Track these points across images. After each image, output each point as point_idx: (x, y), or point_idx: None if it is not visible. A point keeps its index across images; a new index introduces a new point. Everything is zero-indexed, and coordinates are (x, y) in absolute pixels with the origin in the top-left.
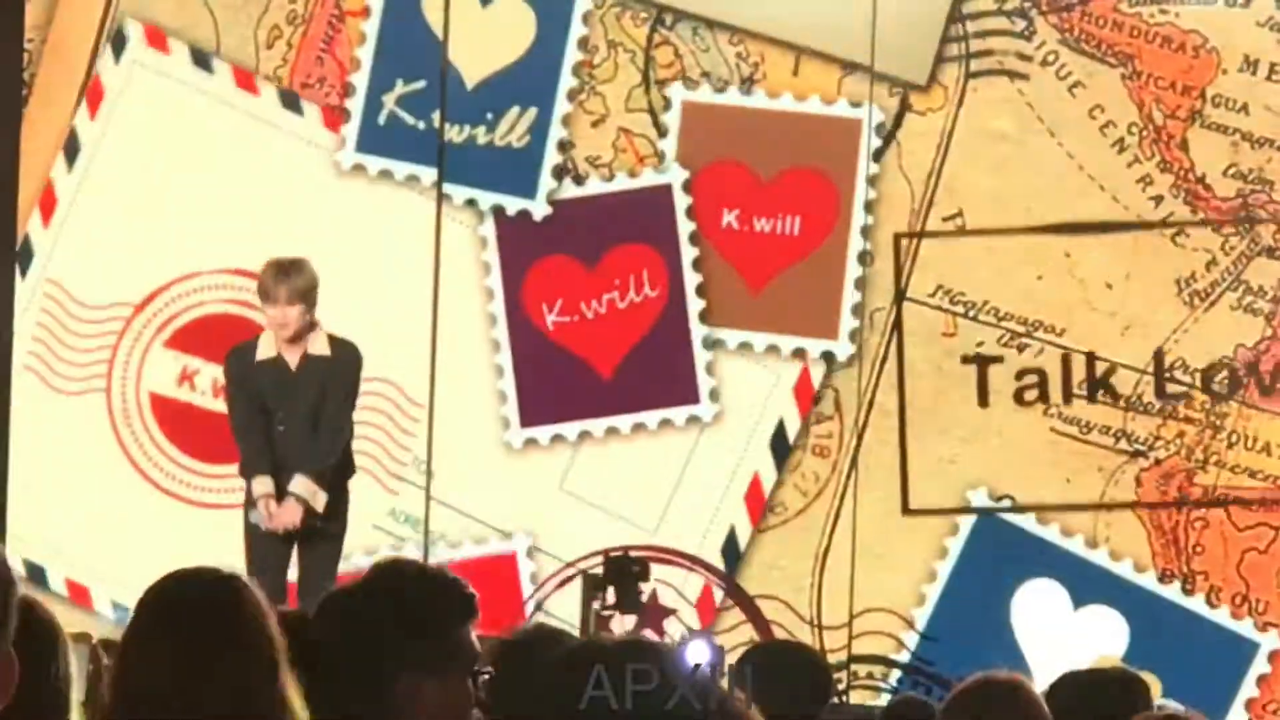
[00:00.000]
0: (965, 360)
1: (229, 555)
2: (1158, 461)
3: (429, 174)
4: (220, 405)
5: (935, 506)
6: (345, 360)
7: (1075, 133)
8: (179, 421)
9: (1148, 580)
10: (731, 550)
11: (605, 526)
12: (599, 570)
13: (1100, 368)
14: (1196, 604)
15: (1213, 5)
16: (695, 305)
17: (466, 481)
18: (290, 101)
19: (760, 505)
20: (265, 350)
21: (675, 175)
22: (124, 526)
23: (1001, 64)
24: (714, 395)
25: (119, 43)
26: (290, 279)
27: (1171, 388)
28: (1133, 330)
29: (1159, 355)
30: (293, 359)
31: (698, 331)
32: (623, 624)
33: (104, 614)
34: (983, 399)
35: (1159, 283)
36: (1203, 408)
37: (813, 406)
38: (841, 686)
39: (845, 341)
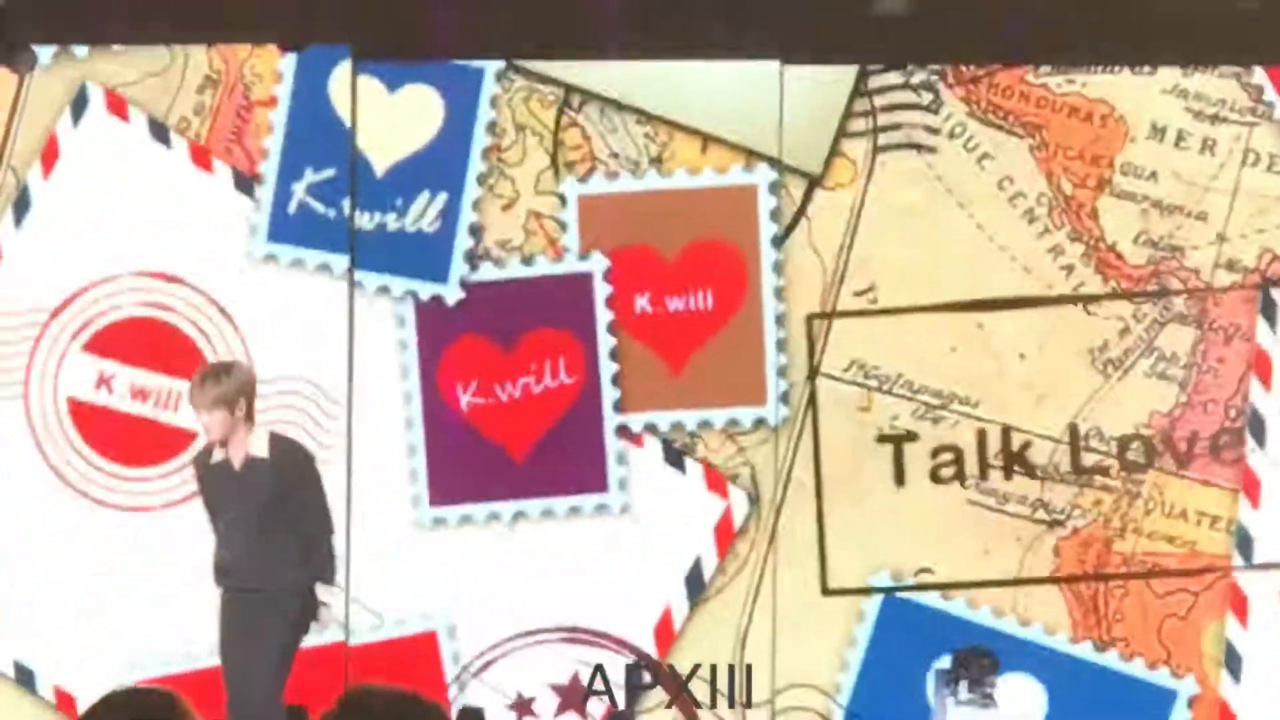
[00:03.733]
0: (881, 439)
1: (150, 558)
2: (1075, 530)
3: (341, 261)
4: (139, 407)
5: (853, 583)
6: (289, 460)
7: (985, 205)
8: (98, 426)
9: (1060, 642)
10: (665, 632)
11: (525, 608)
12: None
13: (1016, 440)
14: (1111, 660)
15: (1119, 74)
16: (610, 394)
17: (385, 565)
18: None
19: (699, 586)
20: (217, 454)
21: (597, 264)
22: (48, 535)
23: (909, 137)
24: (623, 484)
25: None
26: (210, 386)
27: (1087, 458)
28: (1047, 400)
29: (1074, 427)
30: (236, 460)
31: (611, 420)
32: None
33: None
34: (899, 476)
35: (1072, 352)
36: (1119, 475)
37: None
38: None
39: (775, 405)
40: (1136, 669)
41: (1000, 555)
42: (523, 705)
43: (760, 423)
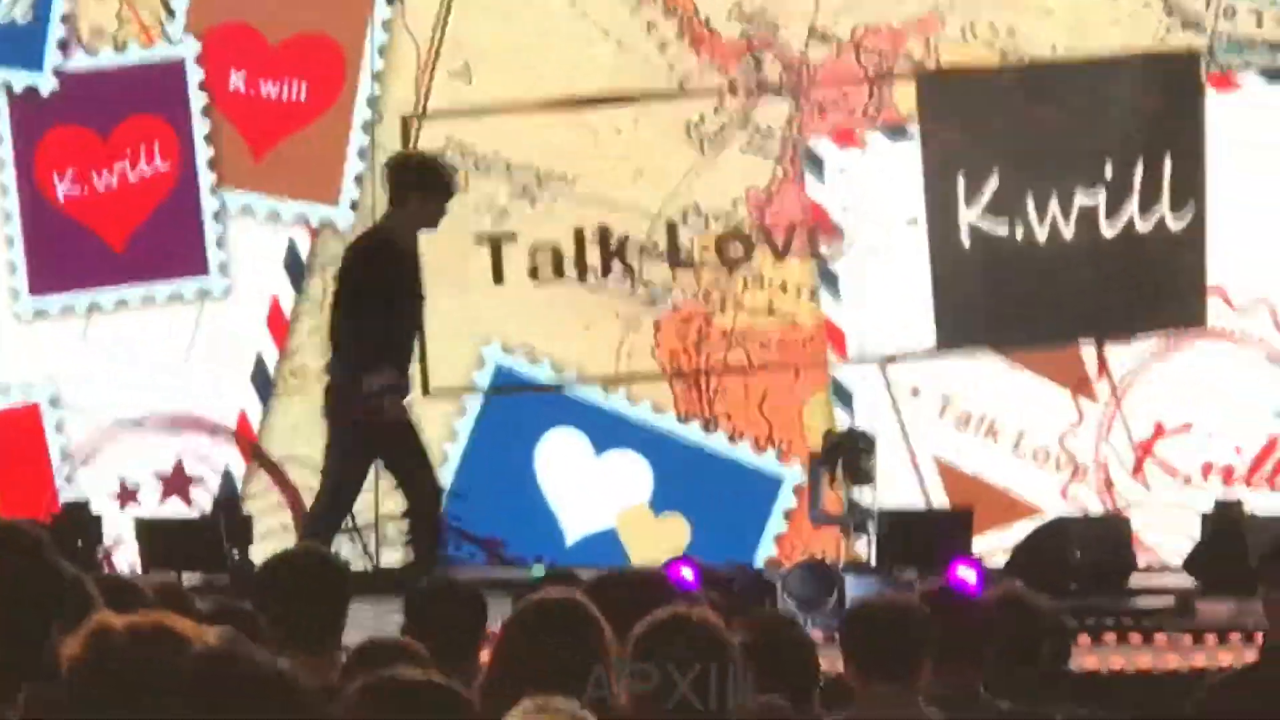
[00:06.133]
0: (479, 240)
1: None
2: (675, 306)
3: None
4: None
5: (458, 368)
6: None
7: None
8: None
9: (668, 422)
10: (250, 416)
11: (125, 392)
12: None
13: (614, 238)
14: (719, 443)
15: None
16: (206, 179)
17: None
18: None
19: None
20: (406, 241)
21: (188, 49)
22: None
23: None
24: (224, 269)
25: None
26: None
27: (684, 250)
28: (644, 176)
29: (671, 225)
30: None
31: (209, 205)
32: (859, 493)
33: None
34: (497, 271)
35: (668, 127)
36: (718, 250)
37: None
38: (373, 546)
39: (346, 209)
40: (743, 454)
41: (601, 331)
42: (127, 494)
43: (327, 223)
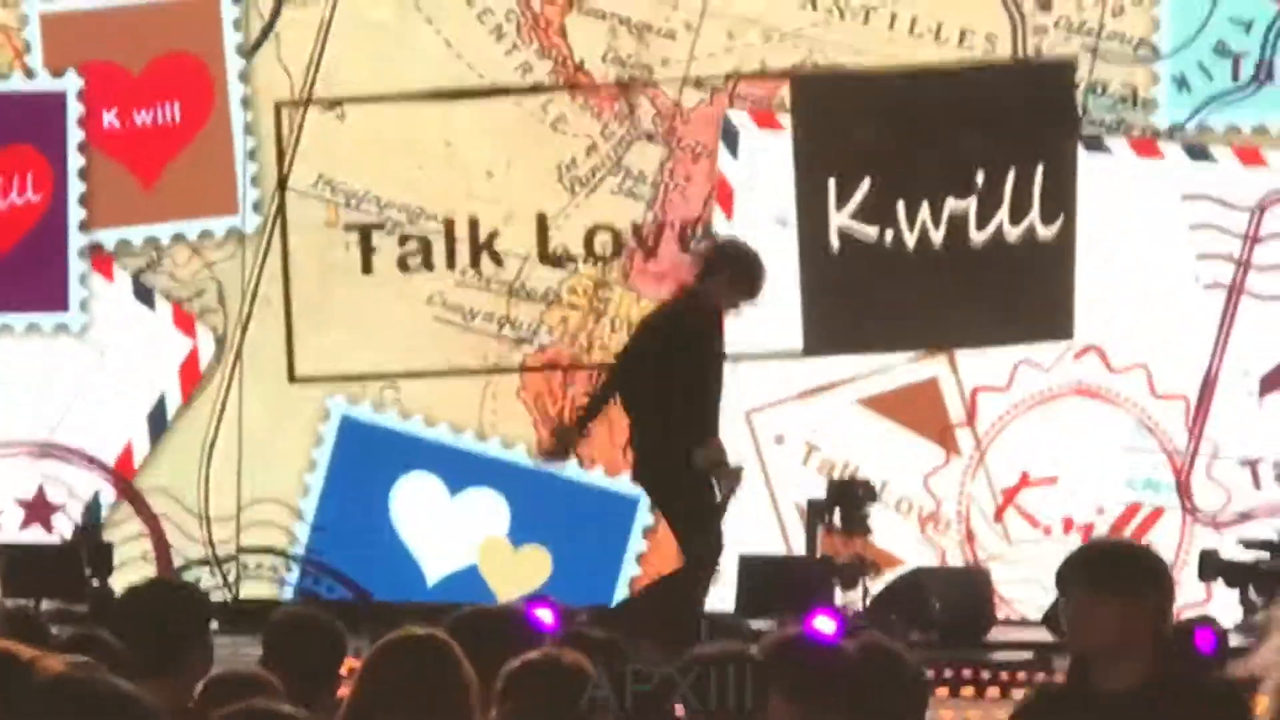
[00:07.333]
0: (348, 228)
1: None
2: (542, 347)
3: None
4: None
5: (318, 401)
6: None
7: (453, 20)
8: None
9: (519, 455)
10: (127, 462)
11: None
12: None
13: (484, 233)
14: (571, 471)
15: None
16: (76, 214)
17: None
18: None
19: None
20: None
21: (70, 83)
22: None
23: None
24: (84, 306)
25: None
26: None
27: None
28: (515, 217)
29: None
30: None
31: (75, 241)
32: (851, 545)
33: None
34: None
35: (540, 170)
36: (585, 295)
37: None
38: (233, 578)
39: (247, 214)
40: (596, 478)
41: (468, 371)
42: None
43: (234, 232)
